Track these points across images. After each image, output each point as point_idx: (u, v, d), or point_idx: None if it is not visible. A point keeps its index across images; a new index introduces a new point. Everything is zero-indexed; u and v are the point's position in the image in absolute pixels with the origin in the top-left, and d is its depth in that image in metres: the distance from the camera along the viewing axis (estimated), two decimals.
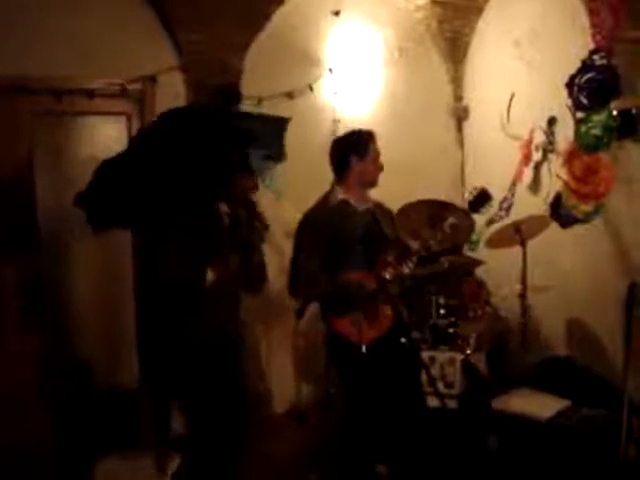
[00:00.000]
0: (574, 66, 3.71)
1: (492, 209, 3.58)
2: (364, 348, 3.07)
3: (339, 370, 3.35)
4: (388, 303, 3.25)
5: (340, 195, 3.41)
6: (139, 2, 4.22)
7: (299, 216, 3.45)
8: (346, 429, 3.34)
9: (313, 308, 3.55)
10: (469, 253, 4.75)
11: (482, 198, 3.29)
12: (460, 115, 5.14)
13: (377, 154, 3.43)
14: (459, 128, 5.16)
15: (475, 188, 3.33)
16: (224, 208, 3.11)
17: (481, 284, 4.35)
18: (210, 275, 2.92)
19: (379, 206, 3.55)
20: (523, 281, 3.79)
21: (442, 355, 3.91)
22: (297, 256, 3.33)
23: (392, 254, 3.32)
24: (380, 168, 3.44)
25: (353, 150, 3.39)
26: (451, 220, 3.27)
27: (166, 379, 3.04)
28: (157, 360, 3.00)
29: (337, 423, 3.54)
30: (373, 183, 3.46)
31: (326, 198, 3.44)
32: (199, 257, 2.91)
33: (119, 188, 3.00)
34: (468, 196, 3.35)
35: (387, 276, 3.21)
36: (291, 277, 3.36)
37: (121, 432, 4.03)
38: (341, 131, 4.72)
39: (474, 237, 4.62)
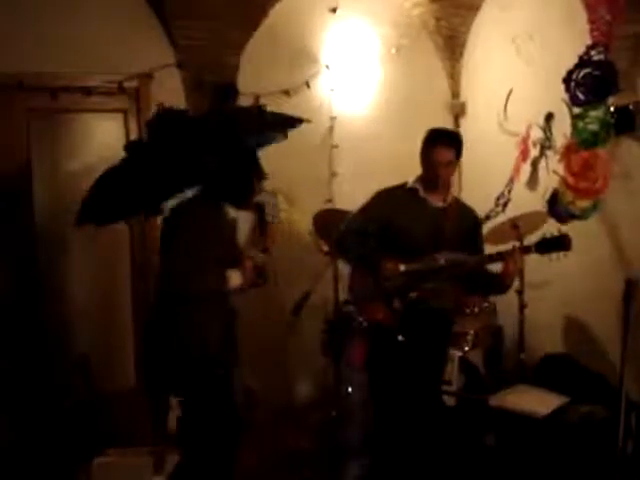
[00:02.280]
0: (571, 62, 3.70)
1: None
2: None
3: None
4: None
5: (414, 184, 3.42)
6: None
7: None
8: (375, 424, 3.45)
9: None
10: None
11: (556, 243, 3.15)
12: (457, 112, 5.13)
13: (437, 158, 3.30)
14: (456, 125, 5.14)
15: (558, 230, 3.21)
16: (232, 214, 3.09)
17: None
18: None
19: (460, 209, 3.48)
20: (521, 277, 3.78)
21: None
22: (354, 216, 3.46)
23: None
24: (435, 172, 3.31)
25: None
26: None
27: (166, 377, 3.03)
28: (158, 359, 2.99)
29: (336, 422, 3.57)
30: (429, 182, 3.37)
31: (405, 183, 3.46)
32: (205, 262, 2.89)
33: (122, 195, 2.99)
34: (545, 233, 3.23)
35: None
36: (339, 231, 3.45)
37: (118, 430, 4.03)
38: (337, 128, 4.76)
39: None
